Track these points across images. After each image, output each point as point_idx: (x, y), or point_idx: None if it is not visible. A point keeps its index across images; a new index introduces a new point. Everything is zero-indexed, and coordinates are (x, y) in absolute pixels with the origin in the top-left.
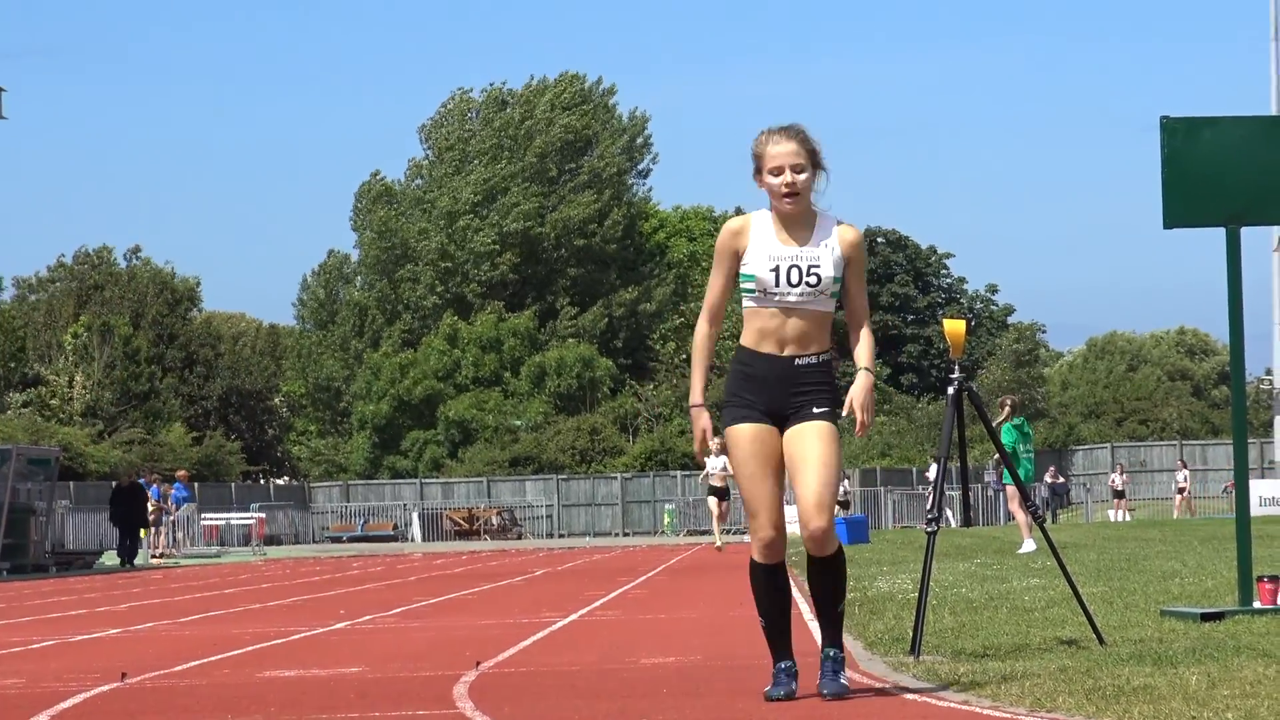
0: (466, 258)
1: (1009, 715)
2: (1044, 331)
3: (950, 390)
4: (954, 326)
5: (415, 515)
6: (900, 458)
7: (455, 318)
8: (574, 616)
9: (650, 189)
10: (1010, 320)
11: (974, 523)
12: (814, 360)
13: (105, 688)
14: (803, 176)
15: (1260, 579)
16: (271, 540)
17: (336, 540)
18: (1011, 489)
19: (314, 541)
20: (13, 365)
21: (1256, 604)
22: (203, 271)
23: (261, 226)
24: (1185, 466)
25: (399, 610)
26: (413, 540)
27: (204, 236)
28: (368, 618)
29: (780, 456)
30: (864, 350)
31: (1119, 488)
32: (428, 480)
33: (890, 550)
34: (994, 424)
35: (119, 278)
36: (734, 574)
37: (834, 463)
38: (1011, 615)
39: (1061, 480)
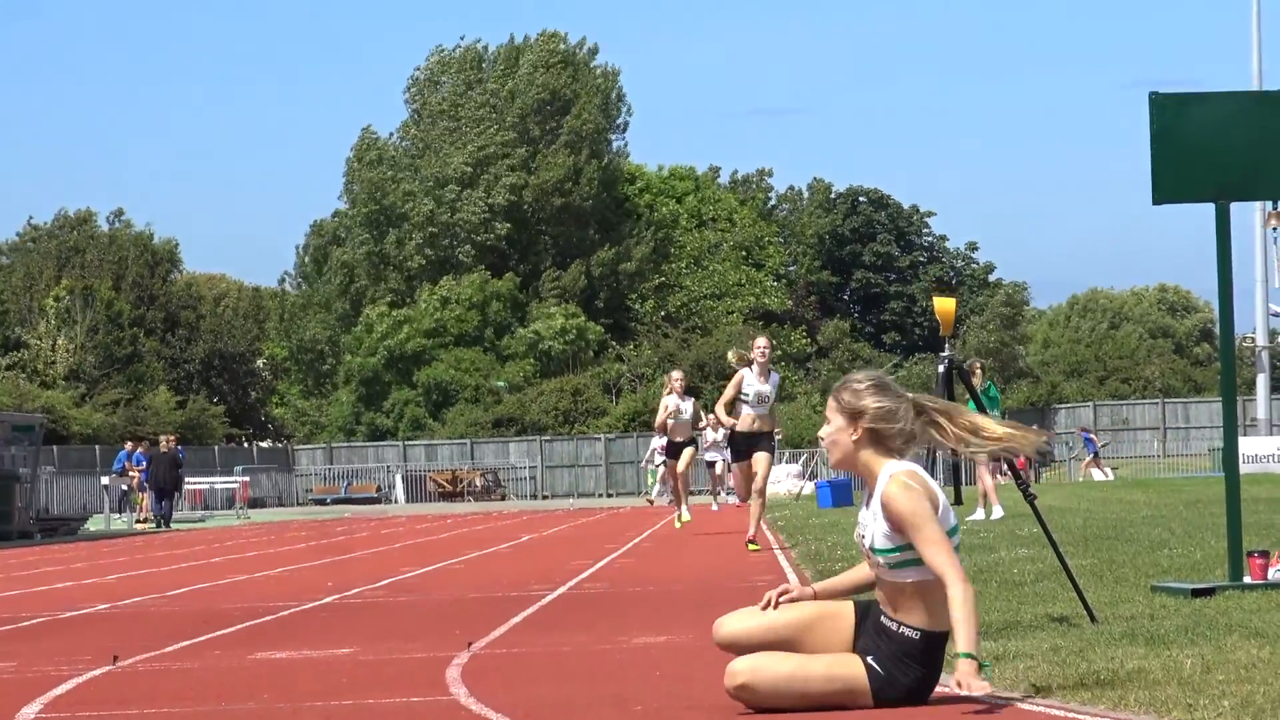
0: (456, 223)
1: (1003, 701)
2: (1027, 289)
3: (940, 369)
4: (944, 305)
5: (398, 477)
6: None
7: (452, 279)
8: (562, 589)
9: (627, 144)
10: (991, 278)
11: (962, 501)
12: None
13: (97, 671)
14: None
15: (1250, 554)
16: (255, 503)
17: (320, 502)
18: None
19: (298, 504)
20: None
21: (1247, 579)
22: (182, 233)
23: (241, 188)
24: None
25: (386, 582)
26: (396, 502)
27: (183, 198)
28: (355, 591)
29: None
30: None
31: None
32: (411, 442)
33: None
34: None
35: (100, 240)
36: (720, 541)
37: None
38: (1002, 590)
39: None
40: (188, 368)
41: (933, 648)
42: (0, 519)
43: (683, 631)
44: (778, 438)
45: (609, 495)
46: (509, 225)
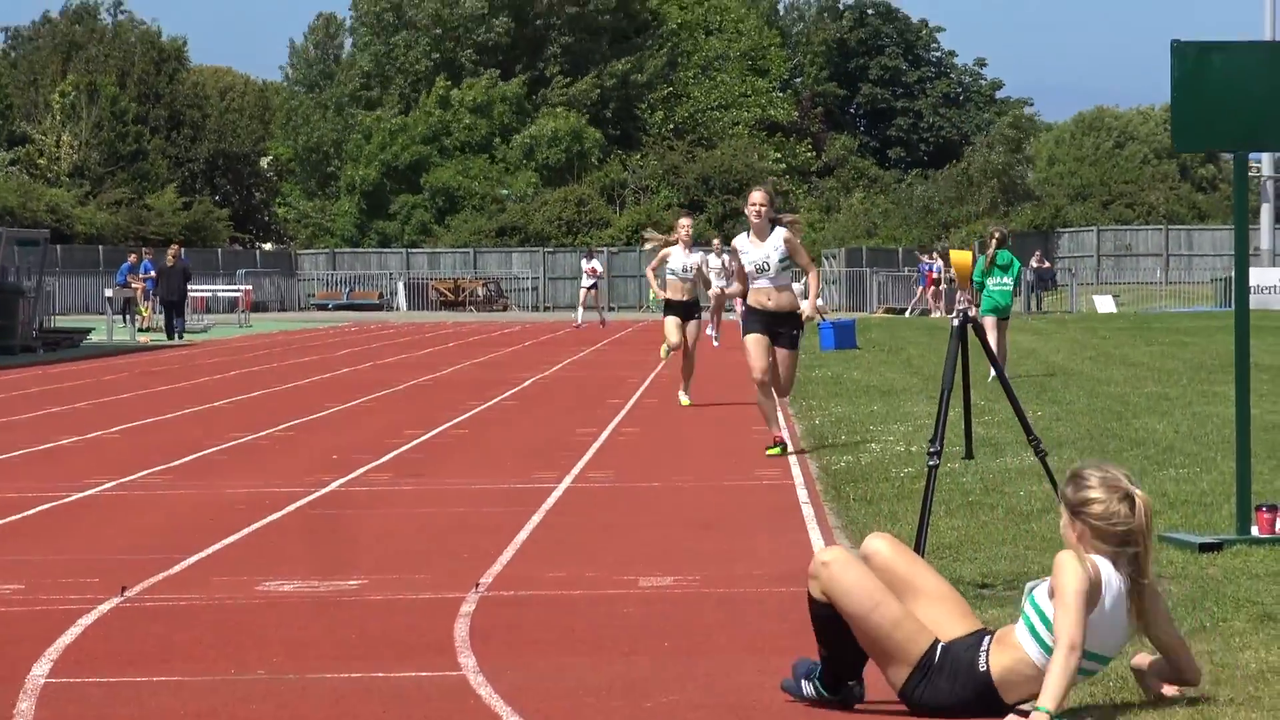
0: (459, 22)
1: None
2: (1031, 106)
3: (955, 322)
4: (960, 257)
5: (400, 284)
6: (886, 237)
7: (448, 81)
8: (566, 482)
9: None
10: (998, 95)
11: (974, 455)
12: None
13: (105, 607)
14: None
15: (1259, 508)
16: (258, 306)
17: (322, 308)
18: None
19: (300, 309)
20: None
21: (1255, 531)
22: (189, 28)
23: None
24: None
25: (391, 456)
26: (398, 309)
27: None
28: (360, 471)
29: None
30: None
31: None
32: (414, 250)
33: (878, 367)
34: (984, 255)
35: (104, 35)
36: (724, 417)
37: None
38: (1009, 522)
39: (1047, 265)
40: (192, 167)
41: (986, 696)
42: (3, 333)
43: (689, 571)
44: (805, 320)
45: (612, 309)
46: (511, 22)
